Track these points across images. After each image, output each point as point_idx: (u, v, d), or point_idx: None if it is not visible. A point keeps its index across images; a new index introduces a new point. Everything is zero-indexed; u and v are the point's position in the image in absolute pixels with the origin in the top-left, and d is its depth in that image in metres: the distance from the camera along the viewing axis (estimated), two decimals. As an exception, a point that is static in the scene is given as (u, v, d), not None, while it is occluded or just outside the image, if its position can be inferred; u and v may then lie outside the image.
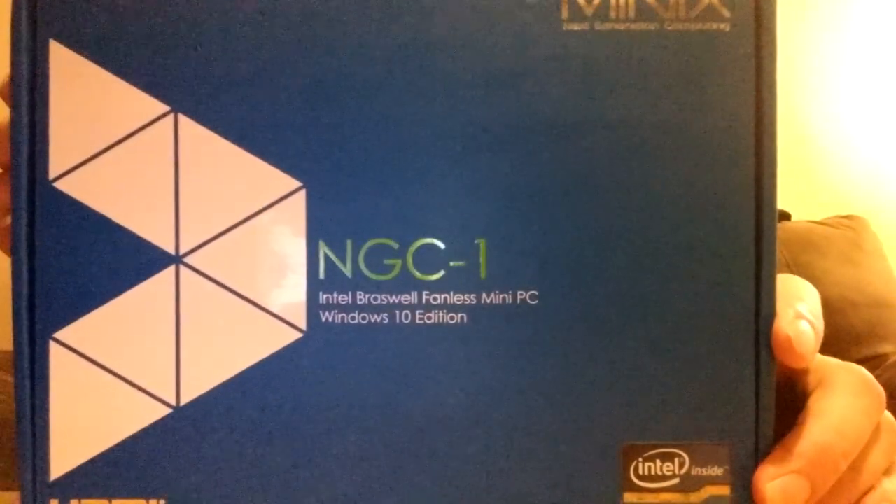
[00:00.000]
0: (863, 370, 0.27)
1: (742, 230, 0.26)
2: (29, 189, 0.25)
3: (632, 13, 0.26)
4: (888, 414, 0.27)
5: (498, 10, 0.26)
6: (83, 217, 0.25)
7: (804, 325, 0.25)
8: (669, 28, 0.26)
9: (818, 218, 1.11)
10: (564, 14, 0.26)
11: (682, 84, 0.26)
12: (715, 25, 0.26)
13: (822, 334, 0.26)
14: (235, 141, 0.26)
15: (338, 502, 0.25)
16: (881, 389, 0.26)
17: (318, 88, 0.26)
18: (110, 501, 0.25)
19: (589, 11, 0.26)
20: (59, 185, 0.26)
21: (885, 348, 0.98)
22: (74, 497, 0.25)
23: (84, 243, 0.25)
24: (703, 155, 0.26)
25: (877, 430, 0.26)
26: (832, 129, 1.26)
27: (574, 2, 0.26)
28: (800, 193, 1.17)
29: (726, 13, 0.26)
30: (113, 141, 0.26)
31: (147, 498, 0.25)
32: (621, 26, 0.26)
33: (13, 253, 0.25)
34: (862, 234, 1.07)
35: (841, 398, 0.26)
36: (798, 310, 0.26)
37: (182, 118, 0.26)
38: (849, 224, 1.08)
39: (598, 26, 0.26)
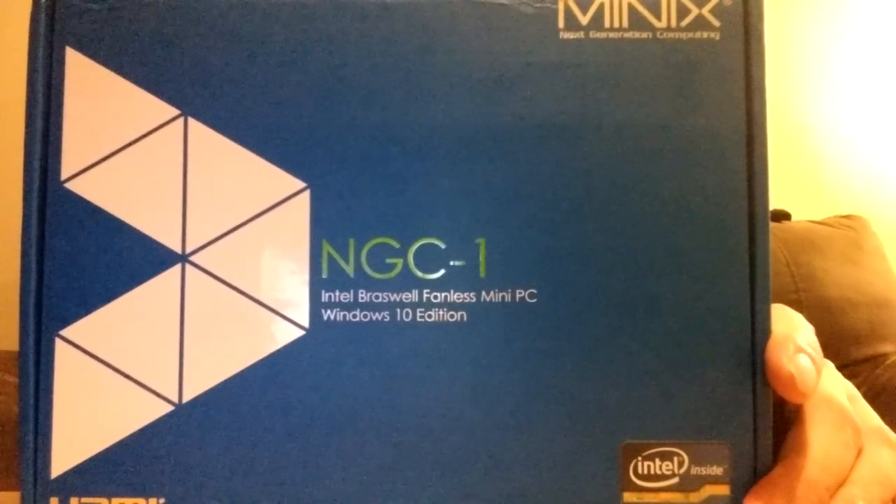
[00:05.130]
0: (841, 402, 0.27)
1: (735, 231, 0.26)
2: (40, 189, 0.26)
3: (625, 22, 0.27)
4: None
5: (497, 19, 0.26)
6: (93, 216, 0.26)
7: (804, 361, 0.25)
8: (661, 37, 0.27)
9: (818, 218, 1.10)
10: (560, 23, 0.27)
11: (673, 90, 0.26)
12: (705, 34, 0.27)
13: (821, 367, 0.26)
14: (243, 143, 0.26)
15: (338, 500, 0.26)
16: (857, 422, 0.26)
17: (322, 93, 0.26)
18: (110, 500, 0.25)
19: (584, 21, 0.27)
20: (70, 185, 0.26)
21: (885, 348, 0.97)
22: (75, 495, 0.25)
23: (93, 242, 0.26)
24: (696, 157, 0.26)
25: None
26: (832, 129, 1.26)
27: (570, 11, 0.27)
28: (800, 193, 1.16)
29: (716, 22, 0.27)
30: (124, 143, 0.26)
31: (147, 497, 0.25)
32: (615, 35, 0.27)
33: (23, 250, 0.26)
34: (862, 234, 1.06)
35: (822, 432, 0.26)
36: (798, 343, 0.25)
37: (191, 121, 0.26)
38: (849, 224, 1.07)
39: (593, 35, 0.26)
